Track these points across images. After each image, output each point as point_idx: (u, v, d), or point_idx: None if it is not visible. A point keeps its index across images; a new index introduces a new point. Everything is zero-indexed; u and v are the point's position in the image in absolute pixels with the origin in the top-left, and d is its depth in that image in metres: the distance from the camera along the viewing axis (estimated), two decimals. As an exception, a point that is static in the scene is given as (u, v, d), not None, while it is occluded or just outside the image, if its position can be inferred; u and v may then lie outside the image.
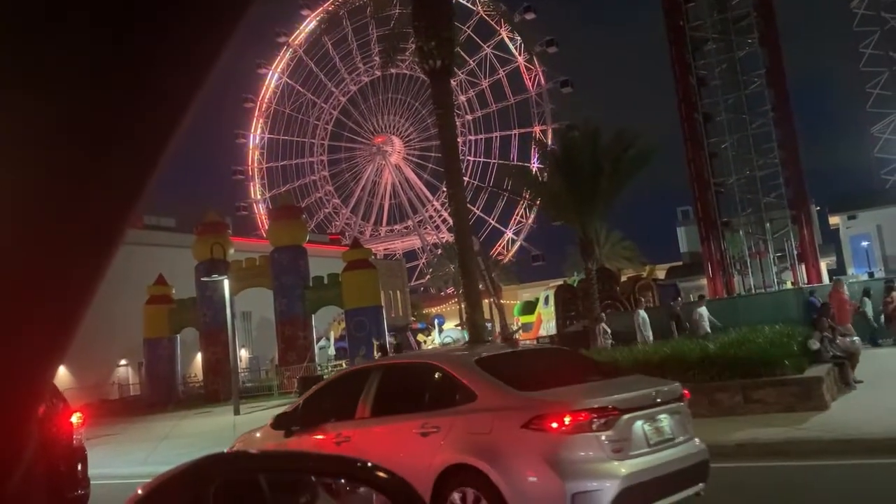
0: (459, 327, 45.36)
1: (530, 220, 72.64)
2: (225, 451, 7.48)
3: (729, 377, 12.25)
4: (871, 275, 36.33)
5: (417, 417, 6.65)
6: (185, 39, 0.58)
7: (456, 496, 6.19)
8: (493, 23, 73.64)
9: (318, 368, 34.41)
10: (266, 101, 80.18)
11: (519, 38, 72.50)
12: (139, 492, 1.42)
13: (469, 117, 78.07)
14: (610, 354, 15.17)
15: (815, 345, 13.75)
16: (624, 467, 5.80)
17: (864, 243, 46.82)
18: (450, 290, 63.58)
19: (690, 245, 52.76)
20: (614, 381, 6.94)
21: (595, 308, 20.79)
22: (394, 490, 1.70)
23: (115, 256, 0.64)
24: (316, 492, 1.81)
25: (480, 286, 24.22)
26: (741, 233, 34.07)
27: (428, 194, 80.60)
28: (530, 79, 73.21)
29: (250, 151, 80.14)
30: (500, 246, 74.33)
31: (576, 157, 20.58)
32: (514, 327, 42.37)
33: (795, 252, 33.30)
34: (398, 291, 60.86)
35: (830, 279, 36.81)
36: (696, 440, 6.66)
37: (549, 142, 57.45)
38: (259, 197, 79.05)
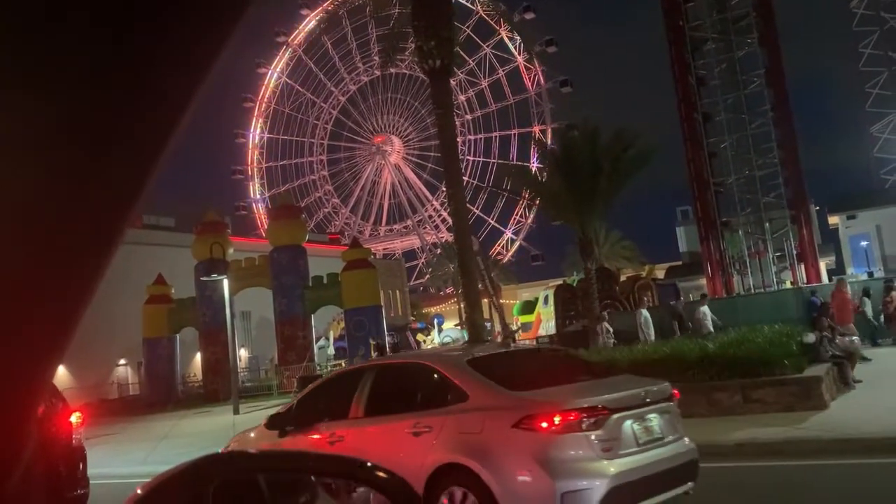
0: (459, 327, 45.37)
1: (530, 220, 72.68)
2: (219, 451, 7.51)
3: (728, 377, 12.25)
4: (870, 274, 36.33)
5: (410, 417, 6.71)
6: (185, 39, 0.58)
7: (447, 495, 6.23)
8: (492, 22, 73.66)
9: (318, 368, 34.39)
10: (265, 100, 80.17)
11: (518, 37, 72.49)
12: (138, 491, 1.42)
13: (468, 117, 78.10)
14: (609, 354, 15.18)
15: (810, 338, 13.77)
16: (613, 466, 5.85)
17: (864, 243, 46.84)
18: (449, 290, 63.58)
19: (690, 245, 52.77)
20: (604, 381, 6.99)
21: (594, 308, 20.78)
22: (393, 490, 1.71)
23: (115, 256, 0.64)
24: (315, 491, 1.81)
25: (480, 286, 24.22)
26: (740, 232, 34.09)
27: (427, 194, 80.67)
28: (530, 78, 73.26)
29: (250, 151, 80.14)
30: (499, 245, 74.41)
31: (575, 156, 20.57)
32: (514, 327, 42.36)
33: (795, 252, 33.33)
34: (397, 291, 60.87)
35: (830, 279, 36.91)
36: (686, 439, 6.70)
37: (549, 141, 57.47)
38: (258, 196, 79.07)
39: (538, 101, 72.94)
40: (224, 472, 1.61)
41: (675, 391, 6.93)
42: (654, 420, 6.36)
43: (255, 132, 80.00)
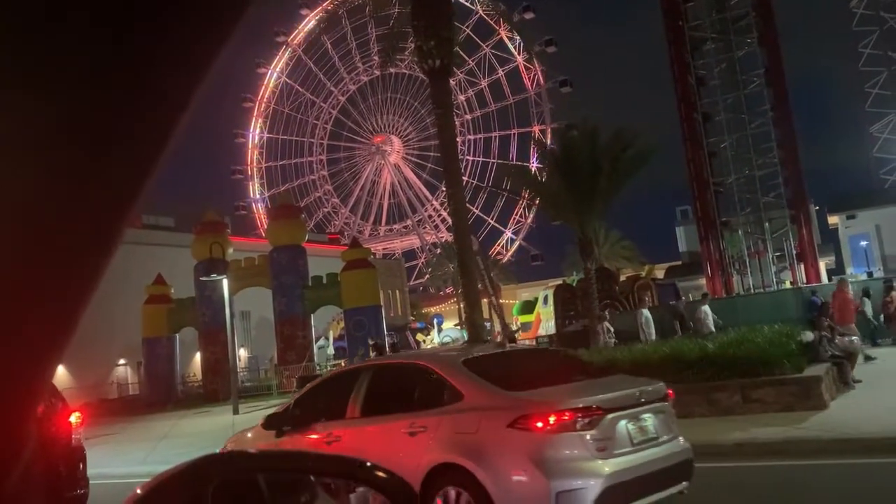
0: (458, 327, 45.35)
1: (529, 220, 72.71)
2: (216, 452, 7.54)
3: (728, 377, 12.25)
4: (869, 274, 36.36)
5: (406, 417, 6.74)
6: (185, 39, 0.58)
7: (443, 495, 6.26)
8: (492, 22, 73.67)
9: (317, 368, 34.39)
10: (265, 100, 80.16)
11: (518, 37, 72.50)
12: (138, 491, 1.42)
13: (468, 117, 78.11)
14: (609, 353, 15.18)
15: (808, 336, 13.79)
16: (607, 466, 5.89)
17: (863, 243, 46.87)
18: (449, 290, 63.58)
19: (689, 245, 52.79)
20: (599, 381, 7.01)
21: (594, 307, 20.77)
22: (392, 490, 1.71)
23: (114, 256, 0.64)
24: (315, 491, 1.81)
25: (479, 286, 24.21)
26: (740, 232, 34.11)
27: (427, 194, 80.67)
28: (529, 78, 73.28)
29: (249, 151, 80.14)
30: (499, 245, 74.42)
31: (575, 156, 20.55)
32: (515, 327, 42.35)
33: (794, 252, 33.35)
34: (397, 291, 60.88)
35: (830, 279, 36.94)
36: (681, 439, 6.72)
37: (548, 141, 57.48)
38: (258, 196, 79.06)
39: (538, 101, 73.00)
40: (223, 472, 1.61)
41: (670, 391, 6.96)
42: (649, 420, 6.40)
43: (255, 132, 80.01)
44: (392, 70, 72.79)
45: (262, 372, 41.41)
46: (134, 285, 33.52)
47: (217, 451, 8.25)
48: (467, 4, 70.49)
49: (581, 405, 6.02)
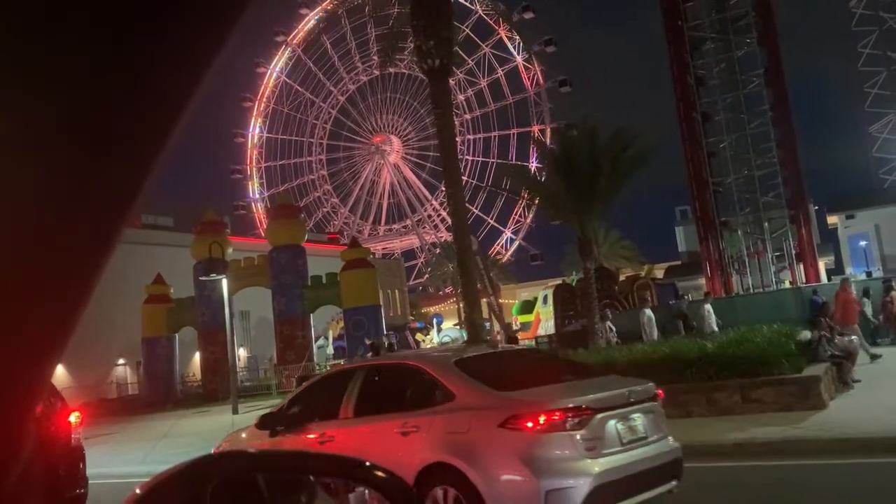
0: (458, 326, 45.34)
1: (529, 220, 72.65)
2: (212, 451, 7.57)
3: (727, 376, 12.26)
4: (869, 274, 36.36)
5: (398, 417, 6.81)
6: (185, 39, 0.58)
7: (435, 494, 6.30)
8: (491, 22, 73.62)
9: (317, 367, 34.39)
10: (264, 99, 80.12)
11: (517, 37, 72.46)
12: (137, 491, 1.42)
13: (468, 116, 78.08)
14: (608, 353, 15.18)
15: (805, 335, 13.81)
16: (597, 465, 5.95)
17: (863, 243, 46.87)
18: (448, 290, 63.55)
19: (689, 244, 52.82)
20: (589, 381, 7.06)
21: (594, 307, 20.77)
22: (391, 489, 1.71)
23: (114, 256, 0.64)
24: (314, 491, 1.81)
25: (479, 285, 24.22)
26: (739, 232, 34.12)
27: (426, 193, 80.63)
28: (529, 78, 73.23)
29: (249, 150, 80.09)
30: (498, 245, 74.35)
31: (574, 156, 20.54)
32: (515, 327, 42.34)
33: (794, 251, 33.37)
34: (396, 291, 60.85)
35: (829, 279, 36.97)
36: (670, 439, 6.78)
37: (548, 141, 57.44)
38: (257, 196, 79.02)
39: (537, 101, 72.94)
40: (223, 472, 1.61)
41: (660, 391, 7.02)
42: (638, 420, 6.46)
43: (255, 131, 79.97)
44: (391, 70, 72.78)
45: (262, 372, 41.39)
46: (133, 285, 33.50)
47: (212, 451, 8.28)
48: (467, 4, 70.47)
49: (571, 405, 6.09)
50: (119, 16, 0.55)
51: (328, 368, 33.77)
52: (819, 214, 47.63)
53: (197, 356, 39.72)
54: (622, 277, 33.60)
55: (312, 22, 79.33)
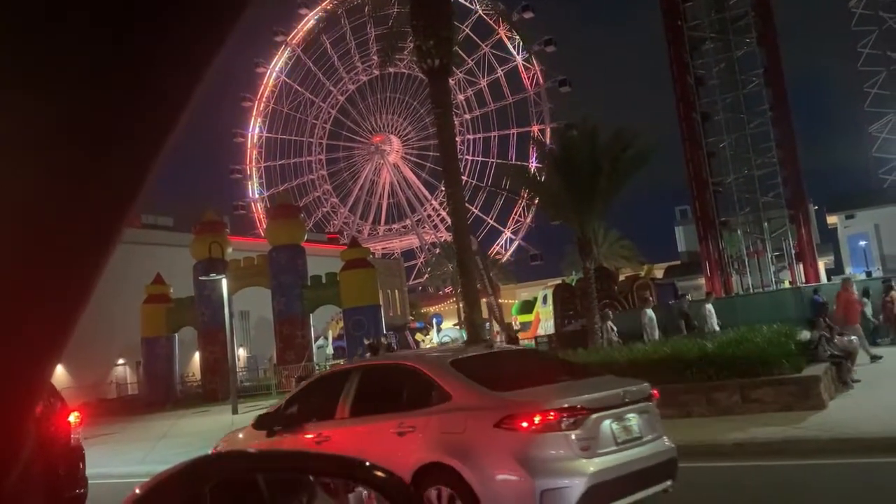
0: (458, 326, 45.35)
1: (528, 220, 72.66)
2: (209, 452, 7.60)
3: (727, 376, 12.26)
4: (868, 274, 36.37)
5: (394, 417, 6.84)
6: (185, 39, 0.58)
7: (430, 494, 6.32)
8: (491, 22, 73.62)
9: (316, 367, 34.38)
10: (264, 99, 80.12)
11: (517, 37, 72.44)
12: (137, 491, 1.41)
13: (467, 116, 78.08)
14: (608, 353, 15.18)
15: (804, 335, 13.82)
16: (591, 465, 5.97)
17: (862, 242, 46.88)
18: (448, 290, 63.56)
19: (688, 244, 52.84)
20: (584, 381, 7.09)
21: (593, 307, 20.77)
22: (392, 490, 1.70)
23: (113, 255, 0.64)
24: (314, 491, 1.81)
25: (478, 285, 24.22)
26: (739, 232, 34.13)
27: (426, 193, 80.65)
28: (528, 78, 73.23)
29: (248, 150, 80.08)
30: (498, 245, 74.35)
31: (574, 156, 20.54)
32: (516, 327, 42.35)
33: (793, 251, 33.38)
34: (396, 290, 60.82)
35: (829, 278, 36.97)
36: (665, 438, 6.81)
37: (548, 141, 57.49)
38: (257, 196, 79.01)
39: (537, 101, 72.94)
40: (222, 472, 1.61)
41: (655, 391, 7.05)
42: (633, 420, 6.48)
43: (254, 131, 79.96)
44: (391, 70, 72.77)
45: (262, 371, 41.41)
46: (133, 285, 33.49)
47: (209, 451, 8.31)
48: (466, 4, 70.47)
49: (566, 405, 6.12)
50: (119, 16, 0.55)
51: (328, 368, 33.80)
52: (819, 214, 47.65)
53: (196, 356, 39.71)
54: (622, 277, 33.60)
55: (312, 22, 79.33)
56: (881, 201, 46.76)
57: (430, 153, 73.97)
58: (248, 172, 79.72)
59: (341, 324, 38.91)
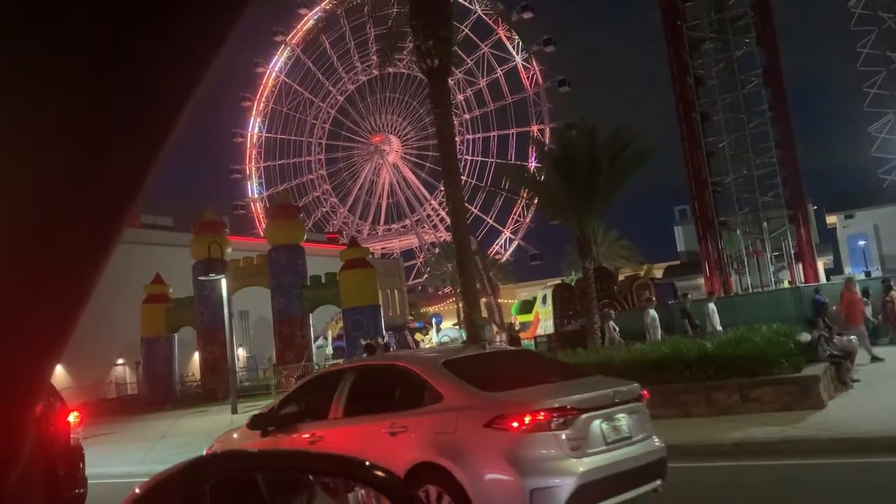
0: (457, 326, 45.35)
1: (528, 220, 72.67)
2: (204, 452, 7.62)
3: (726, 376, 12.27)
4: (867, 274, 36.37)
5: (387, 417, 6.90)
6: (185, 39, 0.58)
7: (422, 493, 6.35)
8: (490, 22, 73.62)
9: (316, 367, 34.37)
10: (263, 99, 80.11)
11: (517, 37, 72.45)
12: (136, 491, 1.41)
13: (467, 116, 78.07)
14: (607, 353, 15.19)
15: (805, 337, 13.82)
16: (581, 465, 6.04)
17: (861, 242, 46.90)
18: (447, 290, 63.56)
19: (688, 244, 52.84)
20: (575, 381, 7.13)
21: (593, 307, 20.78)
22: (392, 489, 1.71)
23: (113, 255, 0.64)
24: (314, 491, 1.81)
25: (478, 285, 24.22)
26: (738, 232, 34.11)
27: (425, 193, 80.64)
28: (528, 78, 73.22)
29: (248, 150, 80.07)
30: (497, 245, 74.35)
31: (573, 156, 20.55)
32: (517, 327, 42.34)
33: (792, 251, 33.35)
34: (396, 290, 60.81)
35: (828, 278, 36.98)
36: (655, 438, 6.86)
37: (547, 141, 57.46)
38: (256, 196, 79.00)
39: (536, 101, 72.94)
40: (222, 472, 1.61)
41: (645, 391, 7.10)
42: (623, 420, 6.54)
43: (253, 131, 79.93)
44: (391, 69, 72.72)
45: (261, 371, 41.39)
46: (132, 285, 33.48)
47: (204, 451, 8.34)
48: (466, 4, 70.45)
49: (556, 405, 6.18)
50: (119, 16, 0.55)
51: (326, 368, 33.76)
52: (818, 214, 47.63)
53: (196, 356, 39.70)
54: (621, 277, 33.61)
55: (311, 22, 79.32)
56: (880, 201, 46.78)
57: (430, 153, 74.00)
58: (248, 172, 79.71)
59: (341, 324, 38.91)
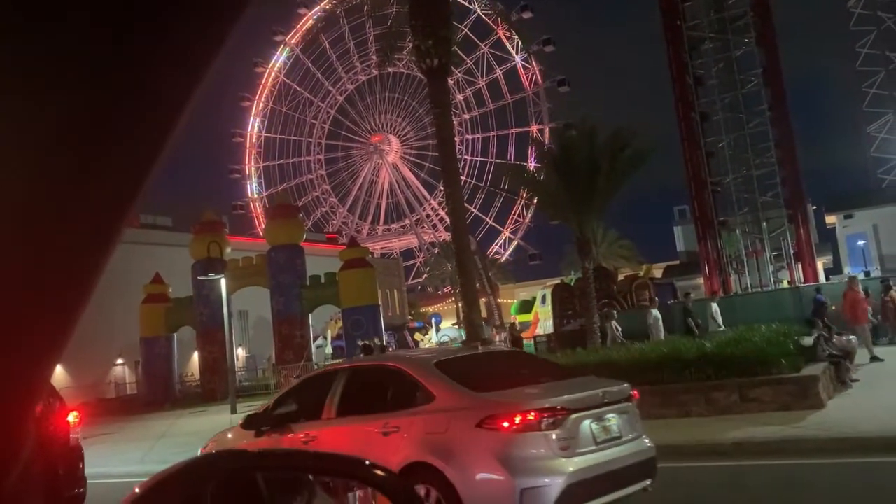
0: (457, 326, 45.37)
1: (527, 220, 72.71)
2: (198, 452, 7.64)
3: (725, 376, 12.27)
4: (867, 274, 36.38)
5: (379, 418, 6.96)
6: (185, 39, 0.58)
7: None
8: (490, 22, 73.66)
9: (315, 367, 34.36)
10: (263, 99, 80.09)
11: (516, 36, 72.47)
12: (136, 491, 1.41)
13: (466, 116, 78.09)
14: (606, 353, 15.20)
15: (807, 341, 13.82)
16: (571, 464, 6.09)
17: (861, 242, 46.91)
18: (447, 289, 63.60)
19: (687, 244, 52.87)
20: (565, 382, 7.18)
21: (592, 307, 20.79)
22: (392, 489, 1.71)
23: (113, 255, 0.64)
24: (314, 490, 1.81)
25: (477, 285, 24.23)
26: (738, 232, 34.13)
27: (425, 193, 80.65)
28: (527, 78, 73.25)
29: (247, 150, 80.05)
30: (497, 245, 74.37)
31: (573, 156, 20.56)
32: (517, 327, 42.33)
33: (792, 251, 33.38)
34: (395, 290, 60.81)
35: (827, 278, 37.00)
36: (645, 438, 6.91)
37: (547, 141, 57.47)
38: (256, 196, 78.98)
39: (536, 101, 72.97)
40: (222, 471, 1.61)
41: (635, 392, 7.16)
42: (613, 420, 6.59)
43: (253, 131, 79.93)
44: (390, 69, 72.69)
45: (260, 371, 41.39)
46: (132, 285, 33.48)
47: (199, 451, 8.37)
48: (465, 4, 70.46)
49: (546, 405, 6.24)
50: (119, 16, 0.55)
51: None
52: (817, 214, 47.64)
53: (195, 356, 39.69)
54: (621, 277, 33.61)
55: (311, 21, 79.32)
56: (880, 201, 46.80)
57: (429, 153, 73.99)
58: (247, 172, 79.71)
59: (340, 323, 38.90)
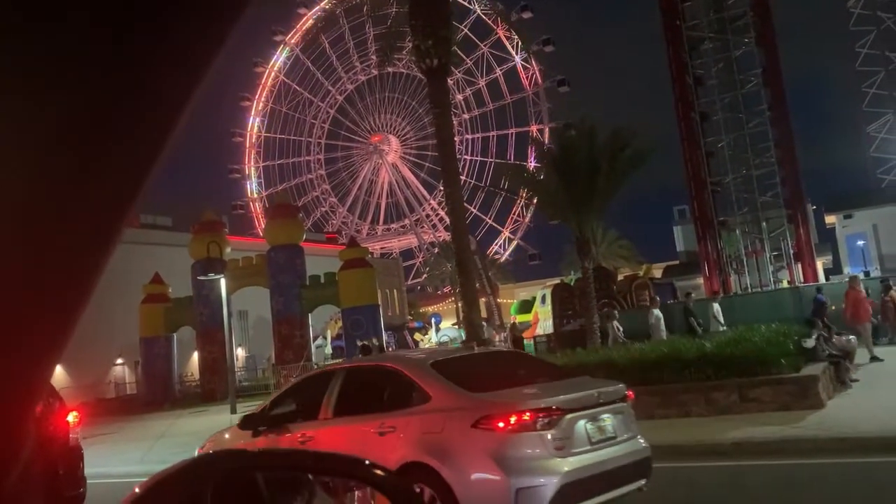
0: (456, 326, 45.36)
1: (527, 219, 72.72)
2: (196, 452, 7.64)
3: (725, 376, 12.27)
4: (866, 274, 36.39)
5: (376, 418, 6.98)
6: (185, 39, 0.58)
7: None
8: (490, 22, 73.66)
9: (315, 367, 34.36)
10: (263, 99, 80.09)
11: (516, 36, 72.48)
12: (136, 490, 1.41)
13: (466, 116, 78.10)
14: (606, 353, 15.19)
15: (809, 343, 13.81)
16: (566, 464, 6.12)
17: (860, 242, 46.93)
18: (447, 289, 63.59)
19: (687, 244, 52.85)
20: (561, 382, 7.20)
21: (592, 307, 20.79)
22: (392, 488, 1.71)
23: (113, 255, 0.64)
24: (314, 490, 1.81)
25: (477, 285, 24.24)
26: (737, 232, 34.14)
27: (425, 193, 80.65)
28: (527, 78, 73.26)
29: (247, 150, 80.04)
30: (496, 245, 74.37)
31: (573, 156, 20.56)
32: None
33: (791, 251, 33.38)
34: (395, 290, 60.82)
35: (826, 278, 37.01)
36: (640, 438, 6.93)
37: (546, 141, 57.47)
38: (255, 196, 78.97)
39: (535, 101, 72.99)
40: (222, 471, 1.61)
41: (630, 392, 7.18)
42: (608, 420, 6.62)
43: (253, 131, 79.92)
44: (390, 69, 72.71)
45: (260, 371, 41.41)
46: (132, 285, 33.49)
47: (196, 451, 8.38)
48: (465, 4, 70.47)
49: (541, 406, 6.27)
50: (119, 16, 0.55)
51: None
52: (817, 214, 47.66)
53: (195, 356, 39.69)
54: (620, 277, 33.62)
55: (311, 21, 79.32)
56: (879, 201, 46.82)
57: (429, 153, 73.98)
58: (247, 172, 79.69)
59: (340, 323, 38.90)
